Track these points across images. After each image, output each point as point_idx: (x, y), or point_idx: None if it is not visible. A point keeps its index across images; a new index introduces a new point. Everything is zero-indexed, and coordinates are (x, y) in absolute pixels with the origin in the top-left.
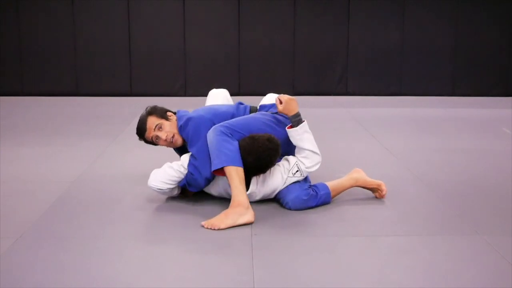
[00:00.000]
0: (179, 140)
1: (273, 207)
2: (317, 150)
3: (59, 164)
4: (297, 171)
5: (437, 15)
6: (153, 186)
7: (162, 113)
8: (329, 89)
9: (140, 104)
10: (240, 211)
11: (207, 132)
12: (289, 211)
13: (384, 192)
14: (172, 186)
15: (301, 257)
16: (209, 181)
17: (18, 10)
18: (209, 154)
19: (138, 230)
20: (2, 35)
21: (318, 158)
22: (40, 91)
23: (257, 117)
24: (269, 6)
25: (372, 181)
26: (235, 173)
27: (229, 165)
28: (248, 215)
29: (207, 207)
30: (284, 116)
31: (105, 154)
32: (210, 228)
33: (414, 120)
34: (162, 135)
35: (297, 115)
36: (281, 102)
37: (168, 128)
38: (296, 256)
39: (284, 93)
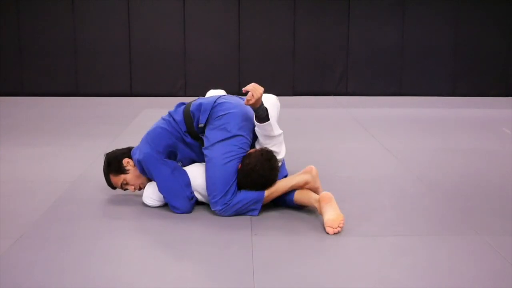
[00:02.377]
0: (147, 184)
1: (272, 208)
2: (279, 131)
3: (59, 164)
4: None
5: (437, 15)
6: (144, 201)
7: (118, 167)
8: (329, 89)
9: (140, 104)
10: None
11: (157, 167)
12: (289, 211)
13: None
14: (160, 204)
15: (301, 257)
16: (191, 209)
17: (18, 10)
18: (169, 189)
19: (138, 230)
20: (2, 35)
21: (281, 139)
22: (40, 91)
23: (215, 162)
24: (269, 6)
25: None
26: (274, 192)
27: (262, 202)
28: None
29: (207, 208)
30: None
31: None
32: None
33: (414, 120)
34: (130, 188)
35: (263, 106)
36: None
37: (132, 181)
38: (296, 256)
39: (284, 93)
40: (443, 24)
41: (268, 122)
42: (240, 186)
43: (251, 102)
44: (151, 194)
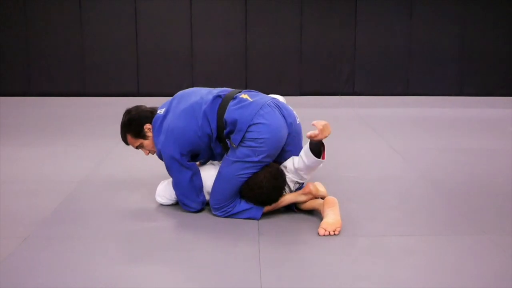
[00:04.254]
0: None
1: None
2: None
3: (66, 164)
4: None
5: (444, 16)
6: (157, 200)
7: (138, 131)
8: (336, 89)
9: (147, 104)
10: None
11: (178, 170)
12: (295, 211)
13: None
14: (172, 203)
15: (307, 256)
16: (202, 208)
17: (25, 10)
18: (185, 192)
19: (145, 230)
20: (10, 36)
21: None
22: (47, 91)
23: (227, 176)
24: (276, 5)
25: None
26: (274, 207)
27: (260, 215)
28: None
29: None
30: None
31: (112, 154)
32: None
33: (421, 120)
34: (145, 152)
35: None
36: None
37: (149, 147)
38: (303, 256)
39: (291, 93)
40: (450, 24)
41: (322, 161)
42: (242, 195)
43: (314, 139)
44: (164, 193)
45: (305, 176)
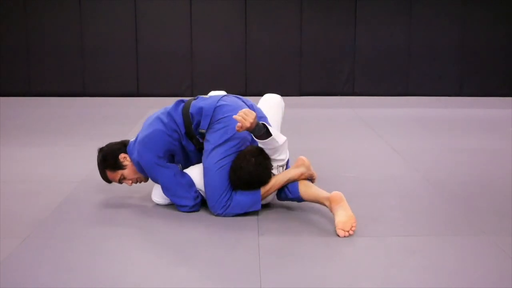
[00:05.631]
0: (144, 179)
1: (279, 207)
2: (283, 139)
3: (66, 164)
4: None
5: (444, 15)
6: (153, 199)
7: (114, 163)
8: (336, 90)
9: (147, 104)
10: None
11: (159, 172)
12: (295, 211)
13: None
14: (170, 202)
15: (308, 257)
16: (197, 207)
17: (25, 10)
18: (174, 191)
19: (145, 231)
20: (10, 36)
21: (286, 144)
22: (47, 92)
23: (211, 166)
24: (276, 6)
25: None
26: (270, 188)
27: (260, 202)
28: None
29: None
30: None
31: None
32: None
33: (421, 120)
34: (128, 183)
35: (259, 125)
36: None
37: (130, 176)
38: (303, 256)
39: (291, 94)
40: (450, 24)
41: (271, 137)
42: (233, 185)
43: (241, 130)
44: (160, 192)
45: (278, 158)
